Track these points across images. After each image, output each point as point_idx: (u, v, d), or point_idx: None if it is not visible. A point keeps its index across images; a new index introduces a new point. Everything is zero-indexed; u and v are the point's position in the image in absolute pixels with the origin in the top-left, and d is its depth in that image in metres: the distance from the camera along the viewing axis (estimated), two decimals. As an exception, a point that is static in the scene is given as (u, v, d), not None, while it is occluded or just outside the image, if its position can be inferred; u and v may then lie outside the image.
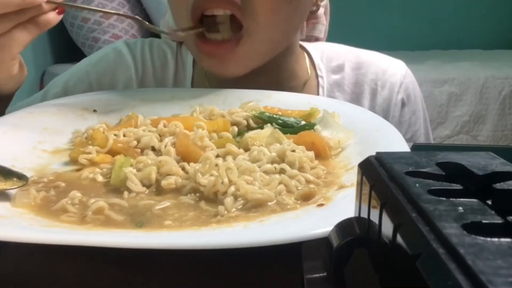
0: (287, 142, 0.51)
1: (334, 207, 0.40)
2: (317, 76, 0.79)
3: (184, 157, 0.49)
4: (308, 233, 0.33)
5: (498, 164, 0.23)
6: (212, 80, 0.76)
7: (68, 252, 0.36)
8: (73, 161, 0.51)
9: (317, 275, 0.25)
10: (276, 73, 0.74)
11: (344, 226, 0.25)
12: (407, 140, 0.80)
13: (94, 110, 0.64)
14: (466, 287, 0.14)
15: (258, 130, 0.56)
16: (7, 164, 0.46)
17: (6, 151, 0.51)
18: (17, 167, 0.47)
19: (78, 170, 0.50)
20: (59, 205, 0.42)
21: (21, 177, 0.45)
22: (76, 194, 0.43)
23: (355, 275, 0.23)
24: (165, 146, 0.52)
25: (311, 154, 0.49)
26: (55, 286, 0.36)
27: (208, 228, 0.38)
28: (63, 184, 0.46)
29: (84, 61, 0.82)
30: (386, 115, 0.78)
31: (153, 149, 0.53)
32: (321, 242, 0.26)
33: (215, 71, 0.68)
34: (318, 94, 0.77)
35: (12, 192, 0.43)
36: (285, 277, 0.35)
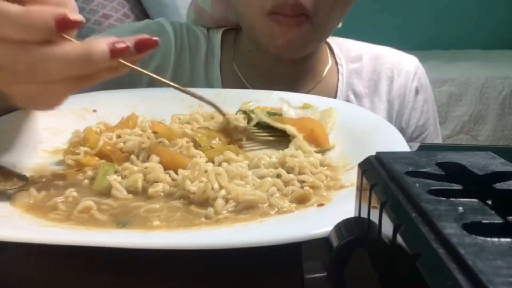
0: (290, 148, 0.51)
1: (334, 207, 0.40)
2: (336, 64, 0.85)
3: (170, 167, 0.47)
4: (308, 233, 0.33)
5: (498, 164, 0.23)
6: (241, 65, 0.81)
7: (68, 252, 0.36)
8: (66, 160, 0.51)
9: (317, 275, 0.25)
10: (307, 59, 0.80)
11: (344, 226, 0.25)
12: (420, 126, 0.85)
13: (94, 110, 0.64)
14: (466, 287, 0.14)
15: None
16: (8, 164, 0.46)
17: (6, 151, 0.51)
18: (17, 167, 0.47)
19: (78, 170, 0.50)
20: (51, 203, 0.42)
21: (21, 177, 0.45)
22: (72, 192, 0.43)
23: (355, 275, 0.23)
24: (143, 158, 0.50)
25: (315, 159, 0.48)
26: (55, 286, 0.36)
27: (207, 228, 0.38)
28: (62, 184, 0.46)
29: (126, 25, 0.86)
30: (402, 101, 0.84)
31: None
32: (321, 242, 0.26)
33: (281, 51, 0.72)
34: (338, 80, 0.83)
35: (12, 192, 0.43)
36: (284, 278, 0.35)
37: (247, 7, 0.71)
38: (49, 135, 0.57)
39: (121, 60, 0.43)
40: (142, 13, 2.13)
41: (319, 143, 0.54)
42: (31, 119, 0.59)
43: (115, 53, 0.41)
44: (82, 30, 2.10)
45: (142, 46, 0.45)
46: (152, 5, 2.11)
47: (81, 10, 2.05)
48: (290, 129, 0.55)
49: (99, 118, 0.61)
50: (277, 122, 0.57)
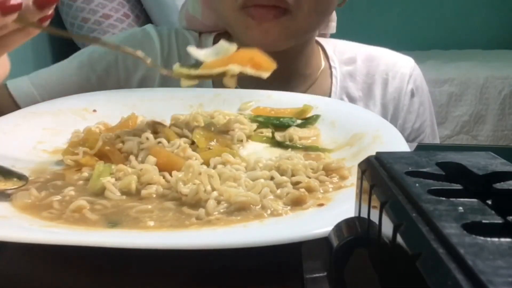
0: (288, 150, 0.51)
1: (334, 207, 0.40)
2: (330, 66, 0.84)
3: (165, 168, 0.47)
4: (308, 233, 0.33)
5: (498, 164, 0.23)
6: None
7: (66, 252, 0.36)
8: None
9: (317, 275, 0.25)
10: (295, 60, 0.79)
11: (344, 226, 0.25)
12: (416, 129, 0.84)
13: (94, 110, 0.64)
14: (466, 287, 0.14)
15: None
16: (7, 164, 0.46)
17: (6, 151, 0.51)
18: (17, 167, 0.47)
19: (77, 170, 0.50)
20: (46, 202, 0.42)
21: (21, 177, 0.45)
22: (70, 192, 0.43)
23: (355, 275, 0.23)
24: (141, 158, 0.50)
25: (314, 163, 0.48)
26: (54, 286, 0.36)
27: (207, 228, 0.38)
28: (62, 184, 0.46)
29: (110, 38, 0.86)
30: (397, 104, 0.83)
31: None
32: (321, 242, 0.26)
33: (259, 41, 0.70)
34: (331, 83, 0.82)
35: (12, 192, 0.43)
36: (284, 278, 0.35)
37: (221, 3, 0.72)
38: (49, 135, 0.57)
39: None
40: (142, 13, 2.13)
41: (265, 67, 0.54)
42: (31, 119, 0.59)
43: (4, 10, 0.43)
44: (82, 30, 2.10)
45: (41, 2, 0.46)
46: (152, 5, 2.11)
47: (81, 10, 2.05)
48: (234, 68, 0.52)
49: (99, 118, 0.61)
50: (211, 68, 0.53)
